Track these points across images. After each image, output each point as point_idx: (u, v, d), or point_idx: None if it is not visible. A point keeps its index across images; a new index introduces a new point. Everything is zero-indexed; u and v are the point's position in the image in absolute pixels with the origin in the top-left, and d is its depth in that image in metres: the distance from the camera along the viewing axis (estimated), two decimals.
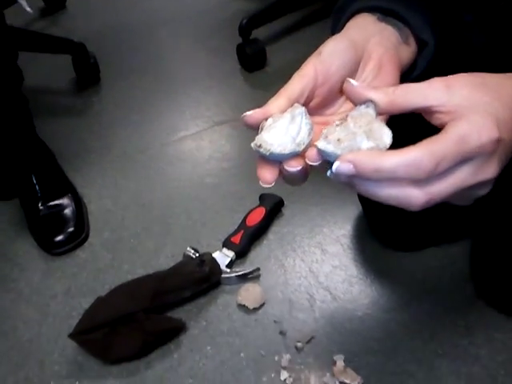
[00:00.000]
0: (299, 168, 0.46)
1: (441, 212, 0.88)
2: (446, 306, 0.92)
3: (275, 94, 0.49)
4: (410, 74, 0.60)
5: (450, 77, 0.45)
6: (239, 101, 1.50)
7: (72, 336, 0.89)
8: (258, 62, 1.59)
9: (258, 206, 1.13)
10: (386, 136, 0.43)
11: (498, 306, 0.90)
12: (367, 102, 0.45)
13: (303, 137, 0.46)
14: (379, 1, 0.57)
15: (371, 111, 0.45)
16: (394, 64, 0.53)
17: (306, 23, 1.75)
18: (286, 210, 1.15)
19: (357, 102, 0.46)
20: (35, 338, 0.96)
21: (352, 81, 0.46)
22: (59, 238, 1.10)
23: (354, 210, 1.11)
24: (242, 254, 1.05)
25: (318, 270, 1.02)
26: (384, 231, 1.03)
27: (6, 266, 1.10)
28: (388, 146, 0.42)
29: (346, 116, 0.45)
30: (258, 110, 0.47)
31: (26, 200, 1.17)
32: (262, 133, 0.46)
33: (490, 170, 0.43)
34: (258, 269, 1.02)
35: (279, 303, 0.96)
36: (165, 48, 1.81)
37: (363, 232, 1.07)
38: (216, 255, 1.02)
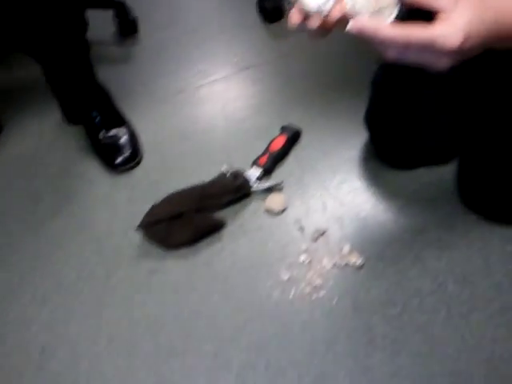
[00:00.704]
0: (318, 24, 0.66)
1: (432, 136, 1.09)
2: (433, 210, 1.12)
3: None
4: None
5: None
6: (261, 49, 1.67)
7: (139, 228, 1.11)
8: (276, 15, 1.75)
9: (280, 134, 1.32)
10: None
11: (478, 212, 1.08)
12: None
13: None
14: None
15: None
16: None
17: None
18: (303, 139, 1.34)
19: None
20: (108, 232, 1.18)
21: None
22: (118, 160, 1.30)
23: (361, 138, 1.29)
24: (267, 171, 1.25)
25: (329, 184, 1.21)
26: (385, 153, 1.22)
27: (78, 181, 1.31)
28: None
29: None
30: None
31: (89, 130, 1.38)
32: None
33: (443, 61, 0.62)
34: (281, 182, 1.22)
35: (298, 208, 1.17)
36: (195, 5, 1.96)
37: (368, 155, 1.26)
38: (246, 173, 1.22)
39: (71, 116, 1.44)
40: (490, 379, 0.86)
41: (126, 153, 1.32)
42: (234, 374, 0.91)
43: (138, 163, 1.33)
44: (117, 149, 1.32)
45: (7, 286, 1.10)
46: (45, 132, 1.48)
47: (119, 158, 1.31)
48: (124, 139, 1.35)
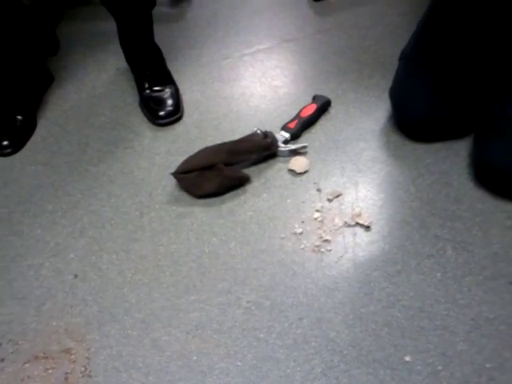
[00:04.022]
0: None
1: (451, 110, 1.11)
2: (443, 183, 1.14)
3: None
4: None
5: None
6: (304, 24, 1.70)
7: (173, 174, 1.17)
8: None
9: (311, 103, 1.36)
10: None
11: (489, 187, 1.11)
12: None
13: None
14: None
15: None
16: None
17: None
18: (331, 110, 1.37)
19: None
20: (146, 178, 1.25)
21: None
22: (161, 113, 1.37)
23: (385, 113, 1.33)
24: (295, 136, 1.29)
25: (350, 151, 1.25)
26: (406, 126, 1.24)
27: (124, 132, 1.39)
28: None
29: None
30: None
31: (139, 84, 1.44)
32: None
33: None
34: (306, 146, 1.26)
35: (319, 171, 1.21)
36: None
37: (390, 128, 1.29)
38: (275, 135, 1.26)
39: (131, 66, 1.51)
40: (472, 337, 0.89)
41: (170, 107, 1.38)
42: (242, 310, 0.97)
43: (179, 118, 1.39)
44: (161, 103, 1.39)
45: (51, 219, 1.18)
46: (97, 86, 1.56)
47: (162, 111, 1.37)
48: (169, 95, 1.41)
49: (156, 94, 1.41)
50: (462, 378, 0.85)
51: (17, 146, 1.36)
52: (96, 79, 1.58)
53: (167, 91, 1.41)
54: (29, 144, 1.38)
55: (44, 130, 1.42)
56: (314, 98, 1.38)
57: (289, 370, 0.88)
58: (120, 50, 1.48)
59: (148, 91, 1.42)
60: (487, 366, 0.86)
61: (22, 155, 1.35)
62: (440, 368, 0.86)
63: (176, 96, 1.41)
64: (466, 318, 0.92)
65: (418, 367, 0.87)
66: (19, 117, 1.38)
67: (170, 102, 1.39)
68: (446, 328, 0.91)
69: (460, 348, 0.88)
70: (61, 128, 1.42)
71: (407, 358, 0.88)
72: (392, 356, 0.88)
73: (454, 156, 1.20)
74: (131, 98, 1.49)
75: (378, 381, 0.85)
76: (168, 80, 1.45)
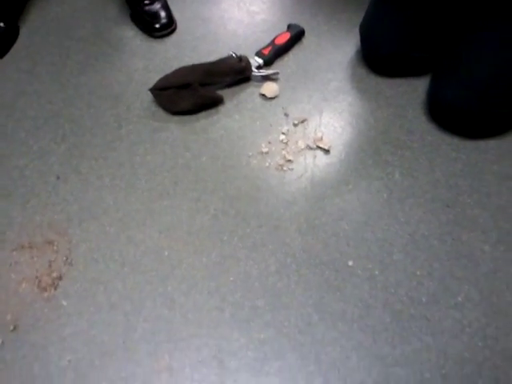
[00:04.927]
0: None
1: (415, 47, 1.19)
2: (399, 115, 1.24)
3: None
4: None
5: None
6: None
7: (151, 90, 1.23)
8: None
9: (285, 31, 1.41)
10: None
11: (440, 121, 1.21)
12: None
13: None
14: None
15: None
16: None
17: None
18: (305, 40, 1.43)
19: None
20: (124, 92, 1.31)
21: None
22: (157, 25, 1.43)
23: (354, 48, 1.40)
24: (268, 62, 1.35)
25: (318, 81, 1.32)
26: (372, 60, 1.32)
27: (105, 45, 1.43)
28: None
29: None
30: None
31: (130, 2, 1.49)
32: None
33: None
34: (278, 73, 1.32)
35: (288, 97, 1.29)
36: None
37: (358, 62, 1.36)
38: (250, 60, 1.31)
39: None
40: (408, 249, 1.02)
41: (164, 20, 1.44)
42: (209, 216, 1.08)
43: (174, 30, 1.46)
44: (155, 16, 1.44)
45: (34, 124, 1.25)
46: None
47: (157, 24, 1.43)
48: (160, 7, 1.46)
49: (148, 8, 1.45)
50: (394, 282, 0.99)
51: (0, 52, 1.39)
52: None
53: (158, 3, 1.47)
54: (12, 52, 1.42)
55: (26, 39, 1.45)
56: (289, 27, 1.43)
57: (247, 267, 1.00)
58: None
59: (141, 5, 1.46)
60: (418, 273, 1.00)
61: (5, 62, 1.39)
62: (377, 273, 1.00)
63: (167, 9, 1.47)
64: (404, 232, 1.05)
65: (359, 271, 1.00)
66: (1, 24, 1.41)
67: (163, 14, 1.45)
68: (386, 240, 1.04)
69: (396, 257, 1.02)
70: (43, 38, 1.45)
71: (350, 263, 1.01)
72: (337, 260, 1.01)
73: (412, 92, 1.29)
74: (113, 12, 1.53)
75: (323, 279, 0.99)
76: None
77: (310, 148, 1.18)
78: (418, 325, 0.93)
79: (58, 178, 1.14)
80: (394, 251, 1.02)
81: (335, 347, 0.91)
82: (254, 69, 1.32)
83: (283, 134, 1.22)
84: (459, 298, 0.96)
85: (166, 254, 1.02)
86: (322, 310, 0.95)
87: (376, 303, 0.96)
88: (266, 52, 1.36)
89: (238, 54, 1.31)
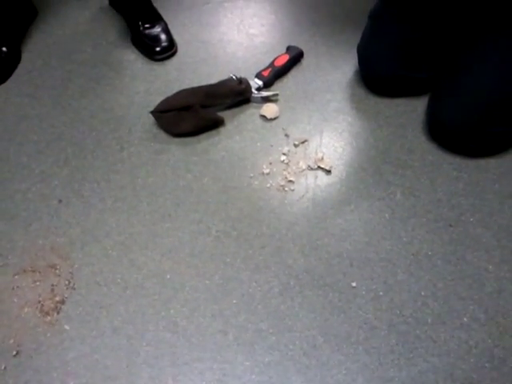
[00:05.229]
0: None
1: (413, 68, 1.20)
2: (399, 135, 1.24)
3: None
4: None
5: None
6: None
7: (152, 112, 1.24)
8: None
9: (285, 53, 1.42)
10: None
11: (440, 141, 1.21)
12: None
13: None
14: None
15: None
16: None
17: None
18: (304, 61, 1.44)
19: None
20: (126, 115, 1.31)
21: None
22: (158, 49, 1.44)
23: (353, 68, 1.41)
24: (268, 83, 1.36)
25: (318, 101, 1.33)
26: (371, 80, 1.33)
27: (106, 69, 1.44)
28: None
29: None
30: None
31: (130, 22, 1.50)
32: None
33: None
34: (277, 94, 1.33)
35: (288, 118, 1.29)
36: None
37: (357, 82, 1.37)
38: (250, 82, 1.32)
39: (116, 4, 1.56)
40: (411, 269, 1.02)
41: (164, 43, 1.45)
42: (212, 238, 1.08)
43: (174, 53, 1.47)
44: (156, 39, 1.46)
45: (36, 148, 1.25)
46: (80, 22, 1.59)
47: (158, 47, 1.44)
48: (161, 31, 1.47)
49: (149, 31, 1.47)
50: (399, 302, 0.98)
51: (2, 77, 1.40)
52: (79, 16, 1.61)
53: (159, 27, 1.48)
54: (14, 76, 1.42)
55: (28, 63, 1.46)
56: (288, 49, 1.44)
57: (251, 290, 1.00)
58: None
59: (141, 28, 1.47)
60: (422, 293, 0.99)
61: (8, 86, 1.40)
62: (381, 294, 0.99)
63: (168, 32, 1.48)
64: (407, 253, 1.04)
65: (363, 292, 0.99)
66: (4, 48, 1.42)
67: (163, 37, 1.46)
68: (390, 260, 1.03)
69: (400, 278, 1.01)
70: (44, 62, 1.46)
71: (354, 284, 1.00)
72: (341, 281, 1.01)
73: (412, 111, 1.30)
74: (113, 36, 1.53)
75: (327, 301, 0.98)
76: (158, 16, 1.51)
77: (311, 168, 1.18)
78: (424, 346, 0.92)
79: (60, 201, 1.14)
80: (397, 271, 1.02)
81: (341, 370, 0.90)
82: (253, 90, 1.33)
83: (284, 154, 1.22)
84: (465, 319, 0.95)
85: (169, 277, 1.02)
86: (327, 333, 0.94)
87: (381, 325, 0.95)
88: (265, 74, 1.37)
89: (238, 76, 1.32)
